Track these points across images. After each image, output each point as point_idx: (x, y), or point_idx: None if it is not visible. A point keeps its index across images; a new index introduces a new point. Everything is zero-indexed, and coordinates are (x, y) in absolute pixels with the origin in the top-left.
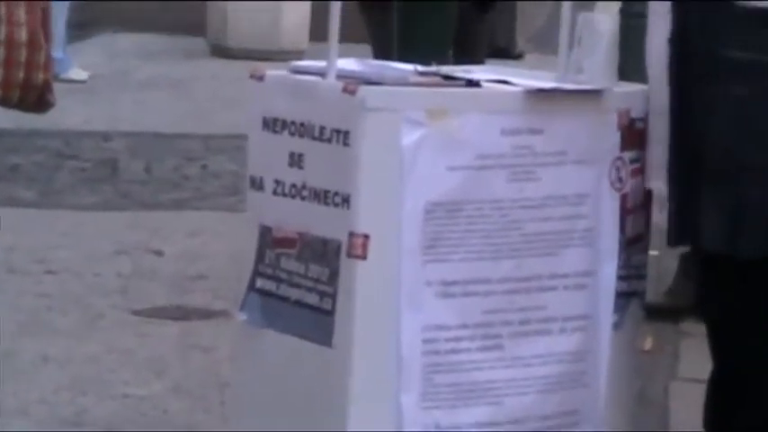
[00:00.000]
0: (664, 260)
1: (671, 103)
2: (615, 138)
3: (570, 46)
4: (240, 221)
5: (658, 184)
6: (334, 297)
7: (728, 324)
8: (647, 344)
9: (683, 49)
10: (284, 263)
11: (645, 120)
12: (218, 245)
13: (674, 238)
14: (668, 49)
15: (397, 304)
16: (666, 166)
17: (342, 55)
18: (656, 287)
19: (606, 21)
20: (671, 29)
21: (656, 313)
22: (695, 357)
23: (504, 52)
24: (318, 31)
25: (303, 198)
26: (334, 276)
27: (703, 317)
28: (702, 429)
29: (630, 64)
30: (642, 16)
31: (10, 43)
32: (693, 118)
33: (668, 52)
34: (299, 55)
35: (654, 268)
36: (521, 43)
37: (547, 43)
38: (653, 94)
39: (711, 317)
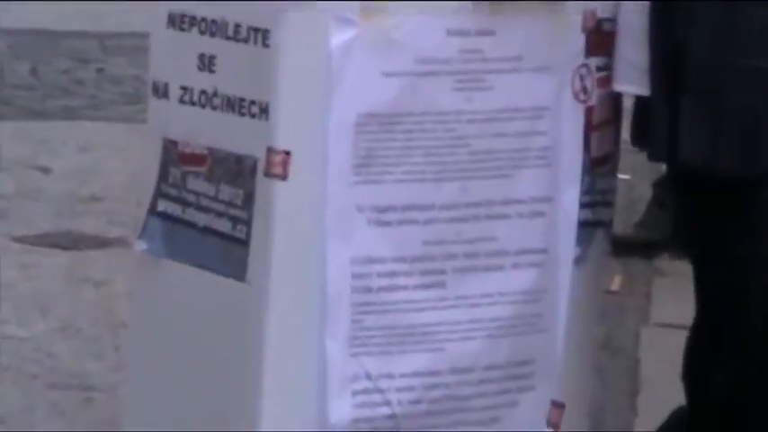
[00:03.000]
0: (635, 186)
1: None
2: (579, 41)
3: None
4: (141, 134)
5: (628, 86)
6: (248, 224)
7: (712, 259)
8: (615, 283)
9: None
10: (191, 183)
11: (614, 20)
12: (115, 161)
13: (652, 151)
14: None
15: (323, 232)
16: (641, 66)
17: None
18: (626, 217)
19: None
20: None
21: (625, 248)
22: (670, 300)
23: None
24: None
25: (214, 107)
26: (249, 199)
27: (682, 251)
28: (679, 382)
29: None
30: None
31: None
32: (676, 13)
33: None
34: None
35: (623, 195)
36: None
37: None
38: None
39: (692, 250)
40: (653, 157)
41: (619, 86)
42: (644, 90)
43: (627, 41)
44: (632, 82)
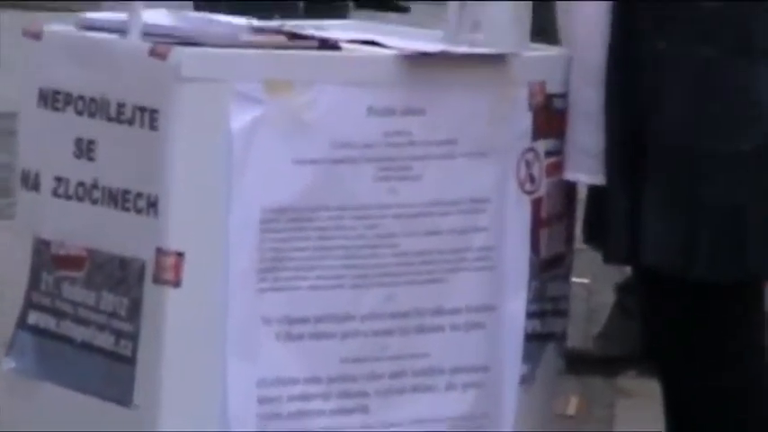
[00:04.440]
0: (594, 291)
1: (608, 64)
2: (525, 121)
3: None
4: (8, 233)
5: (583, 175)
6: (135, 338)
7: (690, 379)
8: (570, 406)
9: None
10: (67, 291)
11: (565, 97)
12: None
13: (608, 252)
14: None
15: (223, 349)
16: (596, 151)
17: (150, 4)
18: (584, 328)
19: None
20: None
21: (582, 364)
22: (636, 424)
23: (383, 2)
24: None
25: (94, 201)
26: (135, 310)
27: (651, 368)
28: None
29: (548, 18)
30: None
31: None
32: (637, 86)
33: None
34: (97, 4)
35: (580, 303)
36: None
37: None
38: (578, 55)
39: (664, 368)
40: (609, 258)
41: (570, 174)
42: (599, 179)
43: (579, 121)
44: (586, 169)
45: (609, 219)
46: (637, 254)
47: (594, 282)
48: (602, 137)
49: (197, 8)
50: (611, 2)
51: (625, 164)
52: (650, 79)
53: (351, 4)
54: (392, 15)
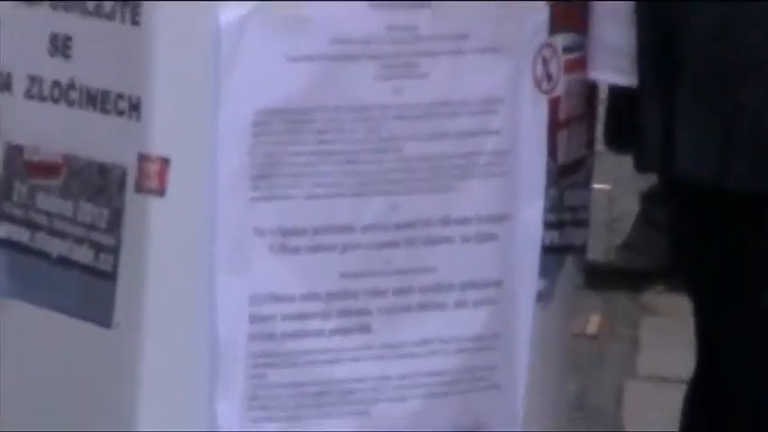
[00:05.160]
0: (617, 199)
1: None
2: (542, 13)
3: None
4: None
5: (608, 74)
6: (116, 252)
7: (723, 293)
8: (591, 325)
9: None
10: (42, 200)
11: None
12: None
13: (642, 159)
14: None
15: (212, 263)
16: (625, 48)
17: None
18: (606, 240)
19: None
20: None
21: (604, 279)
22: (663, 346)
23: None
24: None
25: (71, 103)
26: (116, 221)
27: (679, 282)
28: None
29: None
30: None
31: None
32: None
33: None
34: None
35: (601, 211)
36: None
37: None
38: None
39: (694, 281)
40: (640, 166)
41: (595, 74)
42: (628, 79)
43: (604, 15)
44: (612, 68)
45: (640, 124)
46: (670, 161)
47: (617, 188)
48: (632, 33)
49: None
50: None
51: (656, 63)
52: None
53: None
54: None
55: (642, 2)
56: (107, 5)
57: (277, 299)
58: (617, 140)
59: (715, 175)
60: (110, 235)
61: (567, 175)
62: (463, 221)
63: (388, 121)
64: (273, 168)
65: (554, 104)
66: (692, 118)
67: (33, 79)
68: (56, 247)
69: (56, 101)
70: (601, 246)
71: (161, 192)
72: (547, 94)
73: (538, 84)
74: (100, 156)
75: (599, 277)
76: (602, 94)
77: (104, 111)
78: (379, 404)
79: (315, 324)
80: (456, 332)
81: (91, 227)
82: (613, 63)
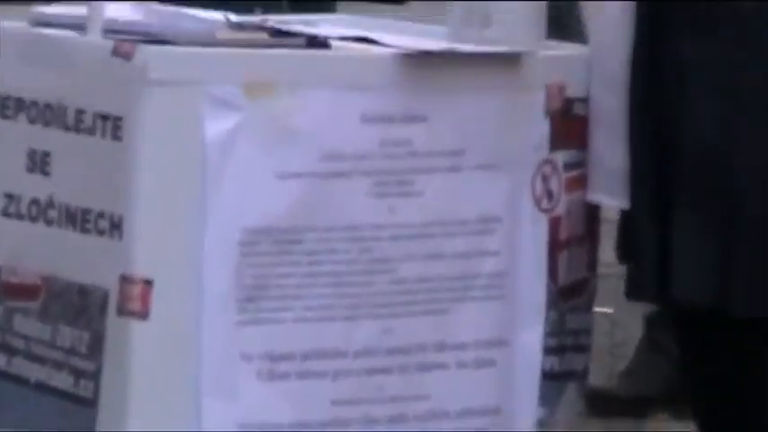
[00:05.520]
0: (620, 323)
1: (631, 71)
2: (542, 129)
3: None
4: None
5: (605, 197)
6: (96, 379)
7: (724, 417)
8: None
9: None
10: (20, 323)
11: (587, 101)
12: None
13: (632, 286)
14: None
15: (197, 389)
16: (619, 169)
17: None
18: (608, 365)
19: None
20: None
21: (607, 406)
22: None
23: None
24: None
25: (50, 222)
26: (97, 345)
27: (687, 409)
28: None
29: (567, 13)
30: None
31: None
32: (664, 94)
33: None
34: None
35: (604, 336)
36: None
37: None
38: (598, 58)
39: (701, 409)
40: (633, 294)
41: (593, 196)
42: (622, 201)
43: (599, 133)
44: (608, 190)
45: (633, 249)
46: (667, 288)
47: (619, 312)
48: (626, 152)
49: (164, 2)
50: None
51: (651, 184)
52: (678, 86)
53: None
54: (387, 8)
55: (637, 122)
56: (87, 120)
57: (266, 427)
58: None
59: (714, 301)
60: (90, 360)
61: (568, 297)
62: (459, 346)
63: (381, 241)
64: (261, 290)
65: (554, 224)
66: (690, 241)
67: (11, 197)
68: (34, 372)
69: (34, 219)
70: (603, 372)
71: (144, 315)
72: (547, 214)
73: (537, 202)
74: (80, 277)
75: (601, 404)
76: (607, 215)
77: (85, 230)
78: None
79: None
80: None
81: (70, 351)
82: (608, 184)
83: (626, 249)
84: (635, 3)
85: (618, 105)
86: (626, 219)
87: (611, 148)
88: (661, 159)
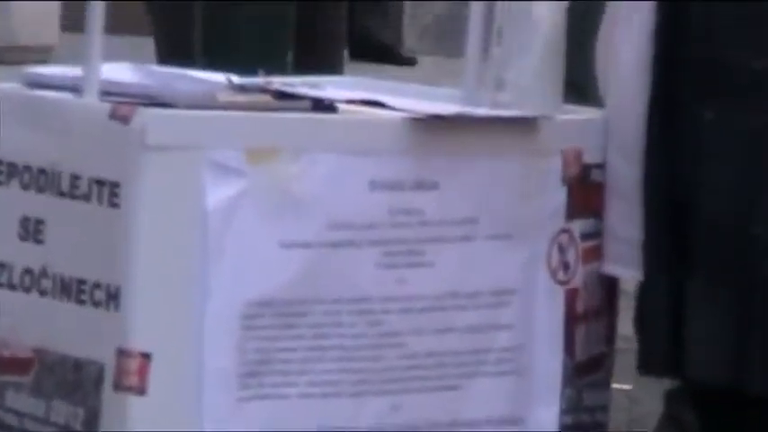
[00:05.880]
0: (639, 400)
1: (647, 136)
2: (558, 197)
3: (485, 45)
4: None
5: (620, 268)
6: None
7: None
8: None
9: (670, 53)
10: (11, 398)
11: (604, 168)
12: None
13: (647, 362)
14: (647, 52)
15: None
16: (634, 239)
17: (111, 56)
18: None
19: (545, 1)
20: (653, 24)
21: None
22: None
23: (385, 53)
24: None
25: (43, 292)
26: (92, 421)
27: None
28: None
29: (583, 75)
30: None
31: None
32: (680, 160)
33: (646, 57)
34: (44, 54)
35: (622, 413)
36: (411, 41)
37: (449, 40)
38: (614, 123)
39: None
40: (646, 369)
41: (607, 267)
42: (637, 273)
43: (614, 202)
44: (622, 261)
45: (646, 320)
46: (680, 365)
47: (638, 388)
48: (640, 221)
49: (162, 60)
50: (650, 63)
51: (665, 254)
52: (694, 153)
53: (346, 56)
54: (396, 69)
55: (651, 189)
56: (83, 185)
57: None
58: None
59: (730, 379)
60: None
61: (585, 373)
62: (472, 424)
63: (390, 314)
64: (264, 365)
65: (571, 296)
66: (704, 315)
67: (2, 266)
68: None
69: (27, 290)
70: None
71: (141, 390)
72: (563, 285)
73: (553, 273)
74: (75, 350)
75: None
76: (628, 285)
77: (80, 301)
78: None
79: None
80: None
81: (65, 428)
82: (623, 255)
83: (642, 359)
84: (652, 66)
85: (633, 173)
86: (642, 291)
87: (625, 217)
88: (675, 228)
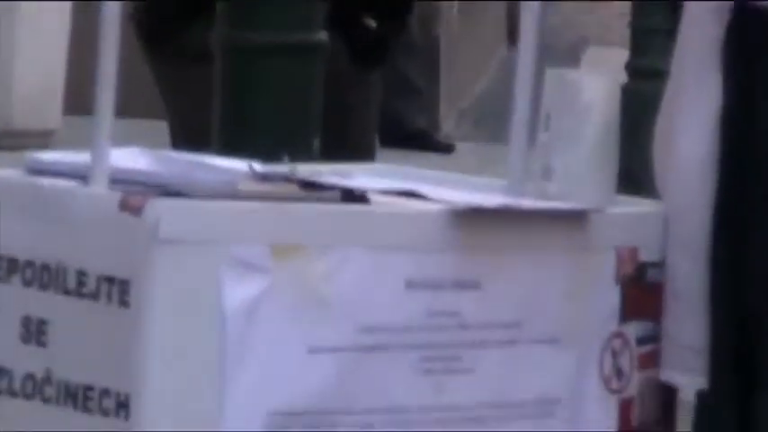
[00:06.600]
0: None
1: (711, 236)
2: (612, 298)
3: (531, 130)
4: None
5: (679, 375)
6: None
7: None
8: None
9: (741, 133)
10: None
11: (662, 266)
12: None
13: None
14: (711, 143)
15: None
16: (696, 345)
17: (121, 140)
18: None
19: (597, 84)
20: (721, 99)
21: None
22: None
23: (422, 138)
24: (79, 100)
25: (46, 400)
26: None
27: None
28: None
29: (638, 163)
30: (660, 75)
31: None
32: (749, 261)
33: (709, 150)
34: (46, 139)
35: None
36: (449, 125)
37: (489, 124)
38: (676, 218)
39: None
40: None
41: (666, 373)
42: (698, 382)
43: (675, 303)
44: (683, 367)
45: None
46: None
47: None
48: (705, 327)
49: (175, 145)
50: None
51: (732, 361)
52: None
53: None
54: (432, 156)
55: (715, 289)
56: (90, 283)
57: None
58: None
59: None
60: None
61: None
62: None
63: (427, 424)
64: None
65: (625, 407)
66: None
67: (2, 371)
68: None
69: (29, 397)
70: None
71: None
72: (617, 395)
73: (606, 382)
74: None
75: None
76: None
77: (87, 409)
78: None
79: None
80: None
81: None
82: (684, 361)
83: None
84: (717, 158)
85: (695, 271)
86: (703, 402)
87: (686, 321)
88: (743, 334)
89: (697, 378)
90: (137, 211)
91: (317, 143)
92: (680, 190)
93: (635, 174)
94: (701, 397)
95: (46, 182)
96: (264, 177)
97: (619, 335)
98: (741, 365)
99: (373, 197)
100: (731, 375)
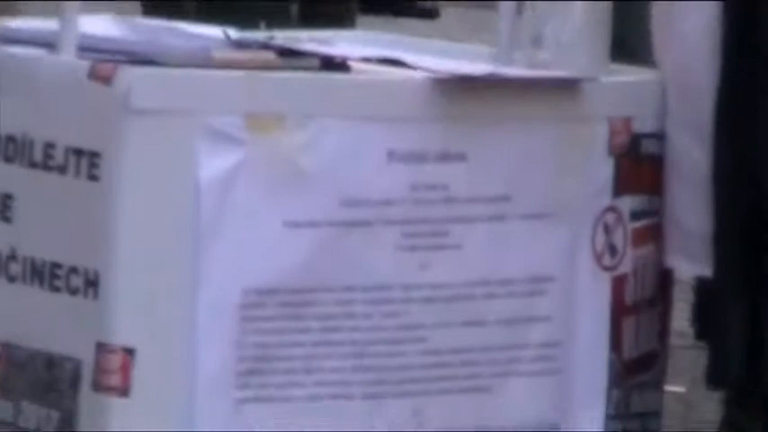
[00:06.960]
0: (694, 404)
1: (718, 118)
2: (604, 170)
3: None
4: None
5: (684, 263)
6: None
7: None
8: None
9: (747, 11)
10: None
11: (660, 138)
12: None
13: (715, 372)
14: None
15: None
16: (702, 231)
17: (90, 8)
18: None
19: None
20: None
21: None
22: None
23: (405, 3)
24: None
25: (11, 278)
26: (67, 426)
27: None
28: None
29: (634, 30)
30: None
31: None
32: (759, 144)
33: (714, 22)
34: (15, 11)
35: (676, 419)
36: None
37: None
38: (678, 94)
39: None
40: (715, 380)
41: (670, 259)
42: (703, 269)
43: (680, 189)
44: (687, 254)
45: (716, 326)
46: (756, 377)
47: (694, 391)
48: (711, 214)
49: (146, 12)
50: (721, 17)
51: (740, 253)
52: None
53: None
54: (415, 23)
55: (722, 174)
56: (58, 155)
57: None
58: (706, 332)
59: None
60: None
61: (635, 373)
62: (503, 430)
63: (410, 304)
64: (266, 363)
65: (619, 285)
66: None
67: None
68: None
69: None
70: None
71: (124, 391)
72: (610, 272)
73: (598, 258)
74: (48, 345)
75: None
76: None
77: (54, 288)
78: None
79: None
80: None
81: None
82: (688, 248)
83: (705, 325)
84: (721, 38)
85: (704, 157)
86: (706, 289)
87: (691, 207)
88: (752, 221)
89: (703, 265)
90: (107, 79)
91: (294, 9)
92: (682, 63)
93: (630, 42)
94: (704, 283)
95: (11, 50)
96: (240, 45)
97: (612, 209)
98: (748, 253)
99: (354, 65)
100: (738, 263)
